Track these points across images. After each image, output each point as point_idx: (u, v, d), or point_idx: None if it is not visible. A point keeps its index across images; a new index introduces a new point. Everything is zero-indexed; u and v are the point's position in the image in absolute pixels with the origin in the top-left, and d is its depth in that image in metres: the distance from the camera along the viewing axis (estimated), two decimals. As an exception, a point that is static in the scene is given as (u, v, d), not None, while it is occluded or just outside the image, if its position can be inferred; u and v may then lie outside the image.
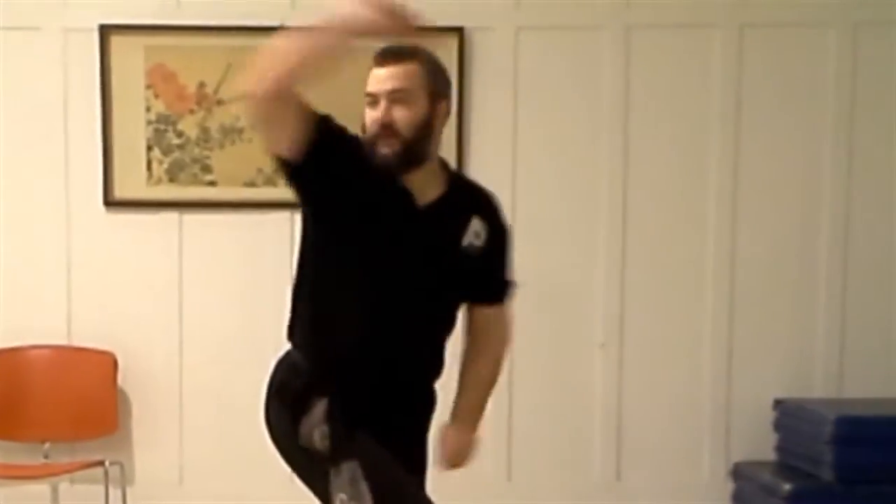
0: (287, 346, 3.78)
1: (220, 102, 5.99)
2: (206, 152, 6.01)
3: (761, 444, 6.02)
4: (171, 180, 6.02)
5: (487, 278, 3.80)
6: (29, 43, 6.03)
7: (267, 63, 3.40)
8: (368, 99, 3.56)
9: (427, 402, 3.81)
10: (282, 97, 3.39)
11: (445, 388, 3.87)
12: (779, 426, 6.00)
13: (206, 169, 6.01)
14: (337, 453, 3.52)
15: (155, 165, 6.02)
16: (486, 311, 3.85)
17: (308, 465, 3.63)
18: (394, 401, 3.66)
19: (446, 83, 3.68)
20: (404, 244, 3.60)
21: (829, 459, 5.56)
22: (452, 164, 5.29)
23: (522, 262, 5.88)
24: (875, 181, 6.10)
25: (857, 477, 5.54)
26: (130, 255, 6.09)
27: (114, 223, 6.06)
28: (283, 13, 5.88)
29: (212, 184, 6.02)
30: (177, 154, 6.01)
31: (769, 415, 6.02)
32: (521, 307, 5.91)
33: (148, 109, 6.00)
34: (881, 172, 6.10)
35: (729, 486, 6.11)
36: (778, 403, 6.01)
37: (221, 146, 6.00)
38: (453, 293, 3.74)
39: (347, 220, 3.59)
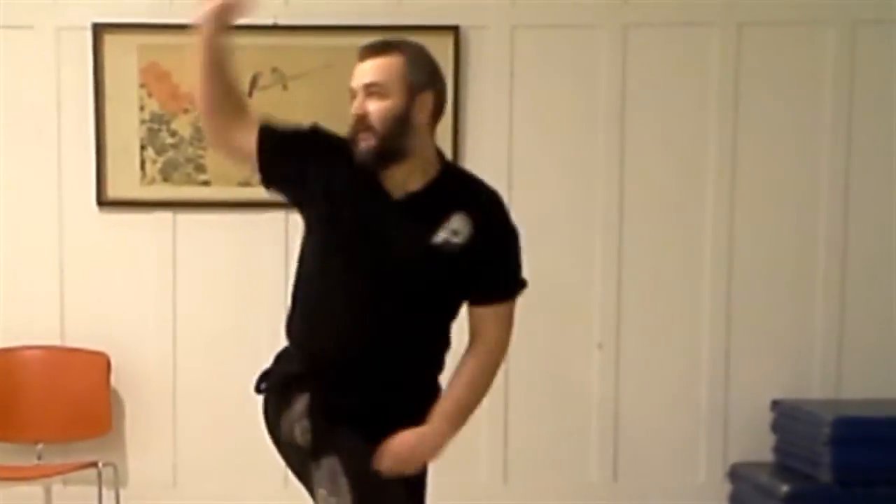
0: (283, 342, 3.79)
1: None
2: (200, 152, 5.98)
3: (759, 445, 6.01)
4: (165, 180, 6.00)
5: (475, 277, 3.66)
6: (22, 41, 6.01)
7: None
8: (351, 94, 3.57)
9: (417, 400, 3.70)
10: (214, 112, 3.70)
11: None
12: (776, 427, 5.98)
13: (200, 168, 5.99)
14: (317, 448, 3.53)
15: (148, 165, 6.00)
16: (477, 311, 3.74)
17: (298, 460, 3.64)
18: (375, 398, 3.61)
19: (431, 76, 3.62)
20: (371, 239, 3.57)
21: (826, 461, 5.54)
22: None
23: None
24: (873, 180, 6.08)
25: (855, 478, 5.53)
26: (124, 256, 6.07)
27: (107, 223, 6.04)
28: (277, 10, 5.90)
29: (206, 183, 6.00)
30: (170, 153, 5.99)
31: (767, 416, 6.00)
32: (518, 307, 5.97)
33: (141, 108, 5.99)
34: (879, 172, 6.08)
35: (726, 488, 6.09)
36: (775, 404, 5.99)
37: (215, 145, 5.95)
38: (433, 290, 3.63)
39: (320, 217, 3.64)
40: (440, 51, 5.80)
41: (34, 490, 6.01)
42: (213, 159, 5.95)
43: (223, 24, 3.67)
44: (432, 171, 3.63)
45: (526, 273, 5.38)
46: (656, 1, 6.04)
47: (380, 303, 3.57)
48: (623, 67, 6.04)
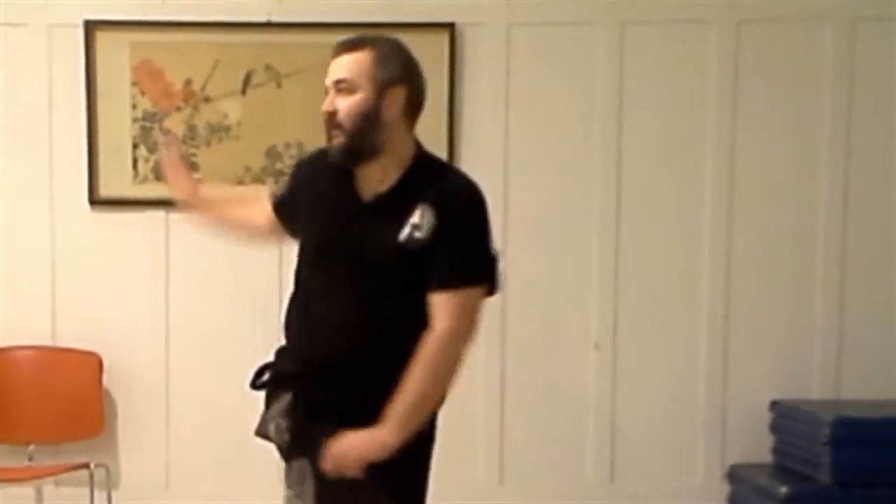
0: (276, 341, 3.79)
1: (207, 99, 5.94)
2: (193, 150, 5.95)
3: (757, 446, 5.99)
4: (158, 178, 5.91)
5: (431, 266, 3.50)
6: (13, 39, 5.98)
7: None
8: (325, 91, 3.56)
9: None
10: (244, 235, 4.16)
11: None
12: (775, 428, 5.96)
13: (193, 167, 5.87)
14: (292, 449, 3.55)
15: (141, 163, 5.98)
16: (430, 299, 3.50)
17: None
18: (361, 399, 3.52)
19: (404, 71, 3.56)
20: (345, 244, 3.55)
21: (826, 461, 5.52)
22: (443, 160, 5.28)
23: (514, 260, 5.95)
24: (873, 179, 6.05)
25: (854, 479, 5.50)
26: (116, 255, 6.05)
27: (99, 222, 6.02)
28: (270, 8, 5.91)
29: (199, 182, 5.86)
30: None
31: (765, 416, 5.98)
32: (514, 307, 6.00)
33: (134, 107, 5.96)
34: (879, 171, 6.05)
35: (724, 489, 6.06)
36: (774, 405, 5.97)
37: (208, 144, 5.96)
38: (409, 289, 3.52)
39: (301, 227, 3.71)
40: (436, 48, 5.89)
41: (25, 491, 5.99)
42: (207, 158, 5.94)
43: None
44: (405, 166, 3.56)
45: (522, 272, 5.37)
46: (654, -2, 6.03)
47: (358, 305, 3.52)
48: (620, 65, 6.00)
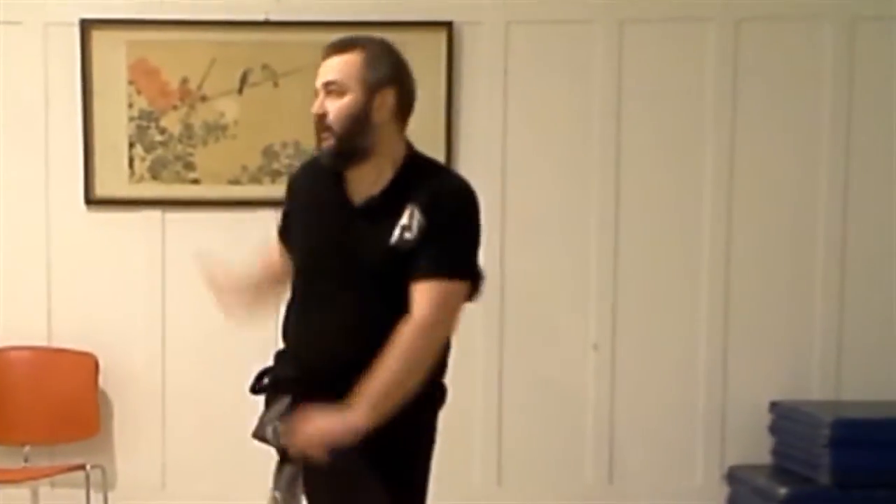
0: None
1: (203, 98, 5.92)
2: (190, 149, 5.94)
3: (757, 448, 5.98)
4: (154, 178, 5.95)
5: (417, 259, 3.46)
6: (9, 37, 5.96)
7: None
8: (315, 94, 3.55)
9: (395, 414, 3.50)
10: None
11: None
12: (774, 429, 5.95)
13: (190, 166, 5.95)
14: (286, 452, 3.53)
15: (137, 163, 5.96)
16: (411, 287, 3.46)
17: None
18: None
19: (393, 72, 3.54)
20: (338, 251, 3.54)
21: (825, 463, 5.51)
22: (441, 159, 5.26)
23: (512, 260, 5.95)
24: (873, 179, 6.04)
25: (854, 481, 5.50)
26: (112, 255, 6.03)
27: (95, 222, 6.00)
28: (268, 6, 5.89)
29: (195, 181, 5.96)
30: (159, 151, 5.95)
31: (765, 417, 5.97)
32: (512, 307, 5.98)
33: (130, 105, 5.94)
34: (879, 170, 6.03)
35: (723, 490, 6.04)
36: (774, 406, 5.96)
37: (205, 143, 5.94)
38: (401, 294, 3.48)
39: (295, 231, 3.72)
40: (433, 47, 5.88)
41: (21, 493, 5.96)
42: (203, 157, 5.94)
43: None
44: (396, 167, 3.55)
45: (519, 272, 5.36)
46: (653, -4, 6.01)
47: (355, 309, 3.51)
48: (619, 64, 5.99)
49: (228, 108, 5.92)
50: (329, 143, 3.47)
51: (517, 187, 5.95)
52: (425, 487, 3.65)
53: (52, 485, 5.96)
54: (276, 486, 3.54)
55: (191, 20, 5.89)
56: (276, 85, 5.90)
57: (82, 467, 5.75)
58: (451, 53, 5.92)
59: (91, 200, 5.97)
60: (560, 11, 5.97)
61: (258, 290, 3.87)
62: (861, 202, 6.03)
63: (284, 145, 5.89)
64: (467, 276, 3.52)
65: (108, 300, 6.02)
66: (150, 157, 5.93)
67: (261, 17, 5.89)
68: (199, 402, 5.99)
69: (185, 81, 5.92)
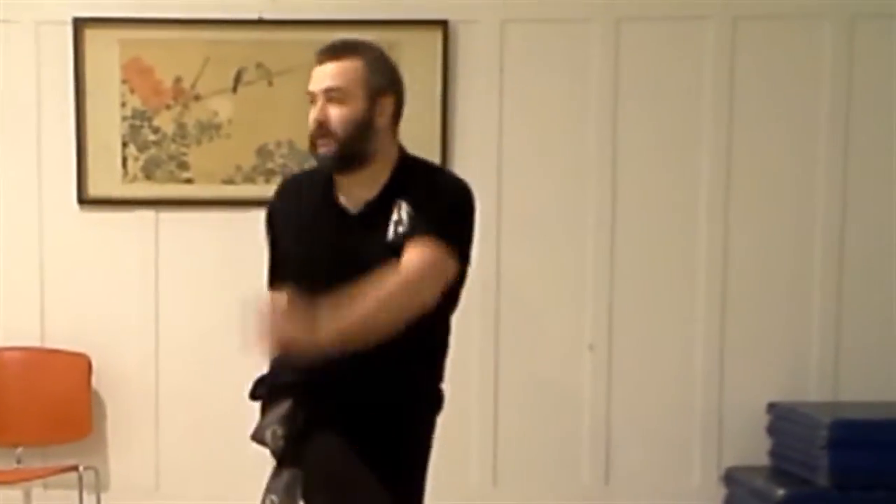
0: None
1: (197, 98, 5.90)
2: (183, 149, 5.93)
3: (754, 449, 5.96)
4: (147, 177, 5.93)
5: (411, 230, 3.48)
6: (1, 36, 5.93)
7: None
8: (309, 99, 3.52)
9: (407, 407, 3.60)
10: None
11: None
12: (772, 430, 5.93)
13: (183, 166, 5.93)
14: (285, 456, 3.52)
15: (130, 162, 5.93)
16: (405, 250, 3.45)
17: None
18: (351, 416, 3.52)
19: (391, 79, 3.58)
20: (338, 256, 3.51)
21: (823, 464, 5.49)
22: (436, 160, 5.25)
23: (508, 259, 5.93)
24: (872, 178, 6.02)
25: (852, 482, 5.48)
26: (105, 255, 6.02)
27: (88, 222, 5.99)
28: (262, 5, 5.86)
29: (189, 181, 5.94)
30: (153, 150, 5.93)
31: (762, 418, 5.95)
32: (508, 306, 5.96)
33: (123, 105, 5.92)
34: (878, 169, 6.02)
35: (721, 492, 6.02)
36: (771, 407, 5.95)
37: (199, 142, 5.92)
38: None
39: (285, 246, 3.67)
40: (429, 46, 5.87)
41: (14, 494, 5.93)
42: (197, 156, 5.92)
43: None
44: (390, 171, 3.56)
45: (515, 271, 5.35)
46: (650, -6, 6.00)
47: None
48: (616, 63, 5.97)
49: (222, 108, 5.89)
50: (329, 148, 3.46)
51: (513, 187, 5.93)
52: (423, 491, 3.65)
53: (45, 486, 5.93)
54: (273, 490, 3.51)
55: (184, 19, 5.87)
56: (270, 84, 5.88)
57: (75, 468, 5.73)
58: (447, 52, 5.89)
59: (84, 200, 5.95)
60: (556, 10, 5.96)
61: None
62: (860, 202, 6.02)
63: (279, 144, 5.88)
64: (457, 247, 3.48)
65: (102, 300, 6.01)
66: (144, 157, 5.91)
67: (255, 16, 5.86)
68: (192, 403, 5.97)
69: (178, 80, 5.90)
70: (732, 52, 5.95)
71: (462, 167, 5.40)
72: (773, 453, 5.91)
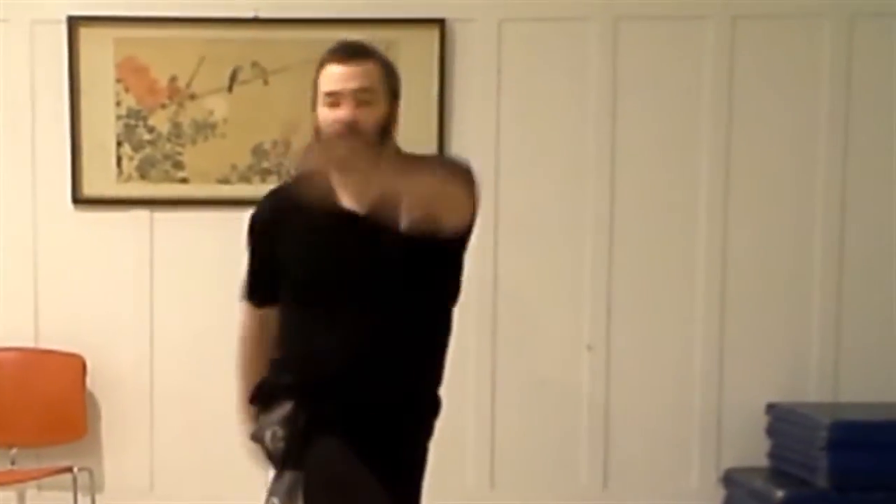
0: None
1: (192, 97, 5.88)
2: (178, 148, 5.91)
3: (753, 450, 5.94)
4: (142, 177, 5.92)
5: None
6: (-5, 35, 5.94)
7: None
8: (328, 99, 3.46)
9: (413, 412, 3.62)
10: None
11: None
12: (771, 431, 5.91)
13: (178, 165, 5.91)
14: (287, 459, 3.50)
15: (125, 162, 5.92)
16: None
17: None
18: (353, 418, 3.51)
19: (399, 83, 3.60)
20: (361, 258, 3.50)
21: (823, 465, 5.47)
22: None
23: (505, 259, 5.91)
24: (871, 177, 6.00)
25: (852, 484, 5.46)
26: (100, 255, 6.00)
27: (82, 221, 5.98)
28: (257, 3, 5.84)
29: (184, 181, 5.93)
30: (148, 150, 5.91)
31: (761, 419, 5.93)
32: (506, 307, 5.94)
33: (118, 104, 5.91)
34: (878, 168, 6.00)
35: (720, 493, 6.00)
36: (771, 407, 5.93)
37: (194, 142, 5.90)
38: (423, 277, 3.54)
39: (289, 259, 3.60)
40: (426, 45, 5.87)
41: (7, 495, 5.94)
42: (192, 156, 5.90)
43: None
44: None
45: (513, 271, 5.33)
46: (649, -8, 5.98)
47: (387, 317, 3.51)
48: (614, 62, 5.95)
49: (218, 107, 5.88)
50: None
51: (511, 186, 5.91)
52: (420, 495, 3.66)
53: (39, 487, 5.94)
54: (275, 493, 3.50)
55: (180, 17, 5.86)
56: (265, 83, 5.86)
57: (70, 469, 5.73)
58: (444, 51, 5.87)
59: (79, 200, 5.93)
60: (554, 9, 5.94)
61: None
62: (859, 201, 6.00)
63: (274, 144, 5.86)
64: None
65: (96, 301, 5.99)
66: (139, 156, 5.89)
67: (250, 15, 5.85)
68: (187, 404, 5.95)
69: (173, 79, 5.88)
70: (732, 52, 5.94)
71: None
72: (773, 454, 5.89)
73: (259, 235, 3.69)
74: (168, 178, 5.90)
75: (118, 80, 5.88)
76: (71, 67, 5.86)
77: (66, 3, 5.86)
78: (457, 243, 3.54)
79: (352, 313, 3.50)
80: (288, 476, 3.48)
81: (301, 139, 5.47)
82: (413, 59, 5.67)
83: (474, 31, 5.91)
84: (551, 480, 6.06)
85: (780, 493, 5.51)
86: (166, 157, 5.89)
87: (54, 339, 5.92)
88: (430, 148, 5.65)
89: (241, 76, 5.86)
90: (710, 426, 6.04)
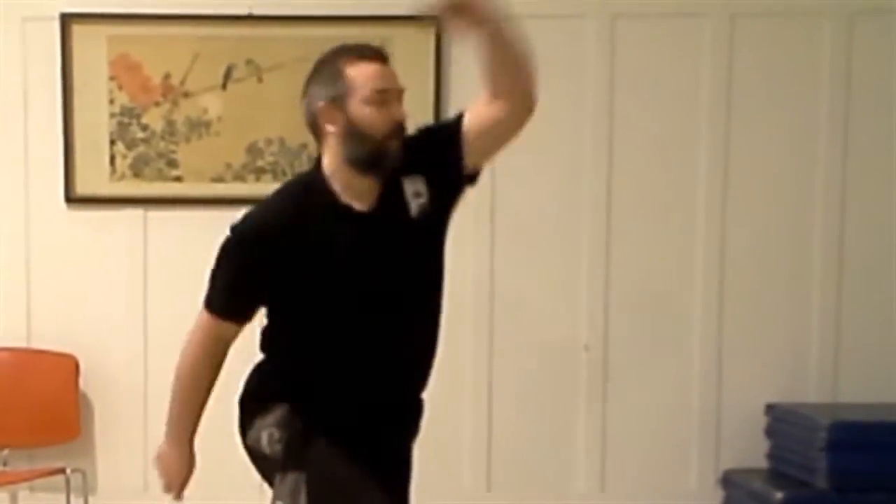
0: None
1: (186, 94, 5.86)
2: (172, 146, 5.89)
3: (752, 451, 5.93)
4: (136, 175, 5.90)
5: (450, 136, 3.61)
6: (-13, 32, 5.93)
7: None
8: (378, 96, 3.40)
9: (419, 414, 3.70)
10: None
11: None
12: (771, 432, 5.90)
13: (172, 164, 5.90)
14: (287, 461, 3.48)
15: (118, 160, 5.90)
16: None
17: (264, 466, 3.61)
18: (393, 422, 3.59)
19: None
20: (393, 258, 3.48)
21: (822, 466, 5.46)
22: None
23: (502, 258, 5.88)
24: (871, 177, 5.99)
25: (851, 485, 5.45)
26: (93, 254, 5.99)
27: (75, 220, 5.96)
28: (252, 1, 5.83)
29: (178, 179, 5.91)
30: (141, 148, 5.89)
31: (760, 420, 5.92)
32: (503, 309, 5.91)
33: (111, 102, 5.89)
34: (877, 167, 5.99)
35: (718, 495, 5.99)
36: (770, 408, 5.92)
37: (188, 140, 5.88)
38: (437, 265, 3.60)
39: (316, 284, 3.47)
40: (422, 42, 5.86)
41: (0, 497, 5.91)
42: (186, 154, 5.89)
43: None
44: None
45: (510, 271, 5.28)
46: (647, -10, 5.96)
47: (411, 318, 3.53)
48: (611, 60, 5.94)
49: (212, 104, 5.86)
50: (398, 149, 3.41)
51: (507, 186, 5.86)
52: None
53: (32, 489, 5.92)
54: (280, 496, 3.49)
55: (173, 14, 5.85)
56: (260, 80, 5.84)
57: (62, 471, 5.70)
58: (440, 49, 5.86)
59: (71, 199, 5.92)
60: (550, 6, 5.92)
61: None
62: (859, 201, 5.99)
63: (269, 142, 5.84)
64: None
65: (89, 300, 5.98)
66: (132, 155, 5.87)
67: (244, 12, 5.83)
68: (181, 405, 5.90)
69: (167, 77, 5.86)
70: (730, 50, 5.93)
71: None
72: (772, 455, 5.88)
73: (261, 253, 3.48)
74: (162, 177, 5.88)
75: (111, 78, 5.86)
76: (64, 65, 5.84)
77: (58, 0, 5.83)
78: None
79: (410, 313, 3.52)
80: (291, 477, 3.46)
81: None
82: (408, 56, 5.64)
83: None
84: (548, 482, 6.05)
85: (779, 495, 5.50)
86: (160, 155, 5.87)
87: (47, 339, 5.90)
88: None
89: (235, 74, 5.84)
90: (708, 427, 6.03)
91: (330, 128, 3.39)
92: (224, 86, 5.83)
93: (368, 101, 3.37)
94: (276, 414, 3.52)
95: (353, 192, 3.44)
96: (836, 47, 5.93)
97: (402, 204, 3.47)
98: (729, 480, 5.93)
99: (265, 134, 5.83)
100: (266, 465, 3.58)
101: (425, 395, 3.66)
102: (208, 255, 5.76)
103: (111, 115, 5.86)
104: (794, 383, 5.99)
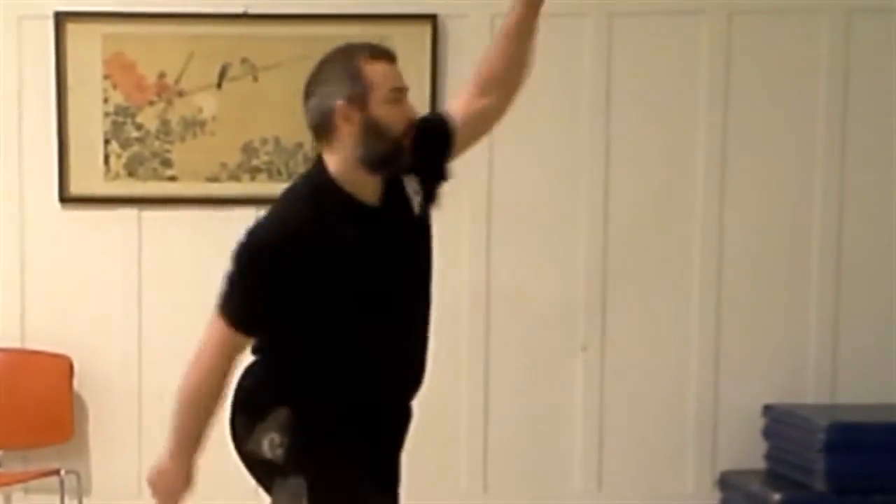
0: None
1: (181, 93, 5.84)
2: (167, 146, 5.87)
3: (750, 452, 5.90)
4: (130, 175, 5.88)
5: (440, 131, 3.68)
6: (-19, 31, 5.91)
7: None
8: (394, 95, 3.39)
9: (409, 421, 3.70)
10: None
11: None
12: (768, 433, 5.88)
13: (167, 163, 5.88)
14: (288, 465, 3.45)
15: (113, 159, 5.88)
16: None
17: (262, 471, 3.58)
18: (391, 426, 3.61)
19: None
20: (397, 260, 3.46)
21: (820, 468, 5.45)
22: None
23: (499, 258, 5.86)
24: (870, 176, 5.98)
25: (850, 486, 5.45)
26: (87, 254, 5.98)
27: (70, 220, 5.95)
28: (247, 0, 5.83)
29: (172, 179, 5.89)
30: (136, 147, 5.87)
31: (758, 421, 5.90)
32: (499, 308, 5.89)
33: (105, 101, 5.87)
34: (876, 166, 5.97)
35: (716, 496, 5.98)
36: (767, 409, 5.90)
37: (182, 139, 5.86)
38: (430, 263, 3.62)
39: (353, 291, 3.42)
40: (418, 40, 5.84)
41: (-7, 498, 5.92)
42: (181, 154, 5.87)
43: None
44: None
45: (506, 271, 5.26)
46: (644, -11, 5.95)
47: (420, 315, 3.58)
48: (608, 58, 5.93)
49: (207, 104, 5.84)
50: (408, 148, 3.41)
51: (504, 185, 5.88)
52: None
53: (26, 490, 5.91)
54: (279, 501, 3.48)
55: (168, 13, 5.83)
56: (255, 79, 5.82)
57: (56, 472, 5.71)
58: (436, 47, 5.85)
59: (66, 198, 5.90)
60: (548, 4, 5.88)
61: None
62: (857, 200, 5.98)
63: (264, 141, 5.81)
64: None
65: (83, 301, 5.97)
66: (127, 154, 5.86)
67: (240, 10, 5.82)
68: (176, 406, 5.89)
69: (162, 76, 5.84)
70: (728, 48, 5.92)
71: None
72: (769, 457, 5.86)
73: (288, 262, 3.33)
74: (156, 177, 5.87)
75: (106, 77, 5.84)
76: (58, 64, 5.83)
77: (53, -2, 5.84)
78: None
79: (416, 313, 3.55)
80: (292, 482, 3.44)
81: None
82: (405, 54, 5.51)
83: (467, 27, 5.85)
84: (545, 483, 6.03)
85: (776, 496, 5.49)
86: (155, 154, 5.85)
87: (41, 340, 5.89)
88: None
89: (230, 73, 5.82)
90: (705, 428, 6.01)
91: (346, 127, 3.34)
92: (219, 85, 5.81)
93: (387, 100, 3.36)
94: (277, 418, 3.48)
95: (363, 191, 3.42)
96: (835, 45, 5.92)
97: (406, 202, 3.49)
98: (726, 482, 5.92)
99: (260, 133, 5.81)
100: (264, 471, 3.54)
101: (417, 399, 3.64)
102: (203, 254, 5.82)
103: (105, 115, 5.85)
104: (792, 384, 5.98)
